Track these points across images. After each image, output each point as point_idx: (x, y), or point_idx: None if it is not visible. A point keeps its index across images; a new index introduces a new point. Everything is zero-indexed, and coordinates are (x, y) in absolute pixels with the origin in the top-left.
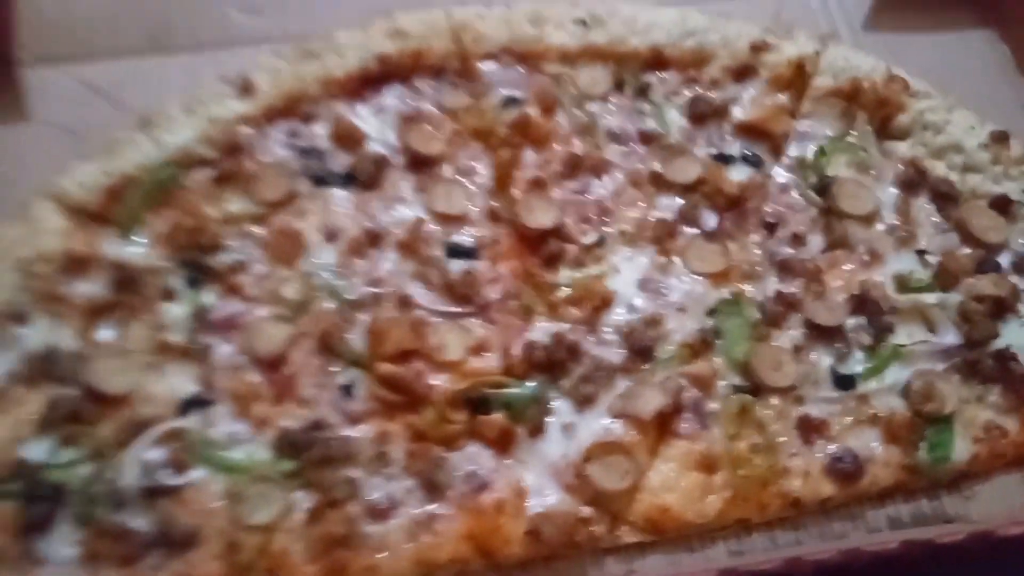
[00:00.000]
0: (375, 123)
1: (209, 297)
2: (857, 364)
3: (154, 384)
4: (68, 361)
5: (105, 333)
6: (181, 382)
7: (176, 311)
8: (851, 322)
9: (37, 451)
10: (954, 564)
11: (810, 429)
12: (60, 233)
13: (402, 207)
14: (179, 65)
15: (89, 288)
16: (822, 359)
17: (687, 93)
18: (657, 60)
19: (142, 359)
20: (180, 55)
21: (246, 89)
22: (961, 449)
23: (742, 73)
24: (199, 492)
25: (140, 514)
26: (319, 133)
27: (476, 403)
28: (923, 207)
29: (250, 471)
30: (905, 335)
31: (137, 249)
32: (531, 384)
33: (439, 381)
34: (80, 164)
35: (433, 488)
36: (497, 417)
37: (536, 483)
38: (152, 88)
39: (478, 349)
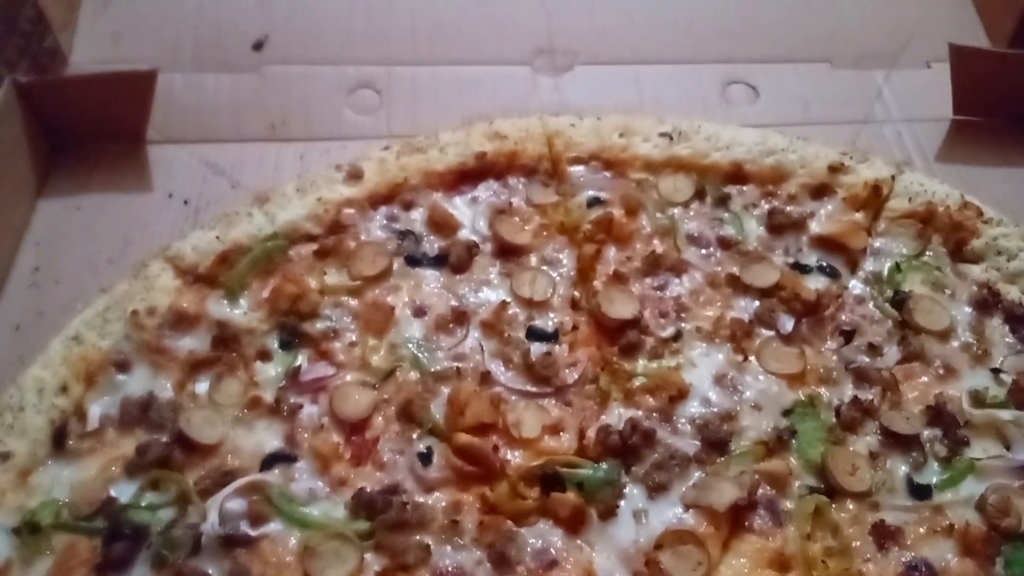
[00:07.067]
0: (468, 213)
1: (301, 360)
2: (933, 474)
3: (242, 437)
4: (164, 409)
5: (201, 386)
6: (267, 437)
7: (269, 371)
8: (927, 433)
9: (125, 492)
10: None
11: (885, 536)
12: (171, 291)
13: (488, 290)
14: (293, 152)
15: (191, 343)
16: (898, 467)
17: (765, 206)
18: (737, 174)
19: (233, 413)
20: (295, 144)
21: (354, 175)
22: None
23: (819, 191)
24: (274, 544)
25: (215, 561)
26: (416, 219)
27: (549, 481)
28: (997, 327)
29: (325, 528)
30: (980, 449)
31: (239, 311)
32: (604, 467)
33: (514, 456)
34: (196, 231)
35: (502, 561)
36: (570, 496)
37: (605, 566)
38: (267, 171)
39: (554, 429)
